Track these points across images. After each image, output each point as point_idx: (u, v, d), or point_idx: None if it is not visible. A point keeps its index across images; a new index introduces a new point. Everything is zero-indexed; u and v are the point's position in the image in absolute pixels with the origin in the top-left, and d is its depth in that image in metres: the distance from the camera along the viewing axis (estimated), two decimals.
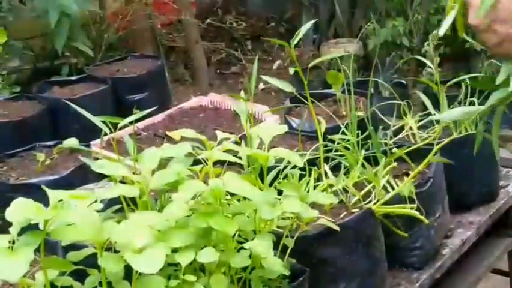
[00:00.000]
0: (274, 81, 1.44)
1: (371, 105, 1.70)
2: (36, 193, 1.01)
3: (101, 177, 1.62)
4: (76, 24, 3.46)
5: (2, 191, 1.85)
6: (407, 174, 1.49)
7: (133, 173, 1.16)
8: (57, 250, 1.25)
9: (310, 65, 1.44)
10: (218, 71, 5.08)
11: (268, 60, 5.09)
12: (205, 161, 1.23)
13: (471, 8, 1.14)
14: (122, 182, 1.17)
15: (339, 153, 1.49)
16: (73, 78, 2.88)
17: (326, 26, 5.07)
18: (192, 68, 4.87)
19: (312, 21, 1.48)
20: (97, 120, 1.29)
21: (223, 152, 1.20)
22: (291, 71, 1.40)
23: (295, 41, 1.37)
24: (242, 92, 1.50)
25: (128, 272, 0.99)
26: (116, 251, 0.99)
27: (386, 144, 1.58)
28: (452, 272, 1.63)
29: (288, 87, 1.41)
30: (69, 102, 1.49)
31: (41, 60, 3.95)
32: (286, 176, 1.38)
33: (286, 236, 1.16)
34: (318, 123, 1.46)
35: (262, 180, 1.25)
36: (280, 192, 1.19)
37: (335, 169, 1.48)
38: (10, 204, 0.95)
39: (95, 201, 1.03)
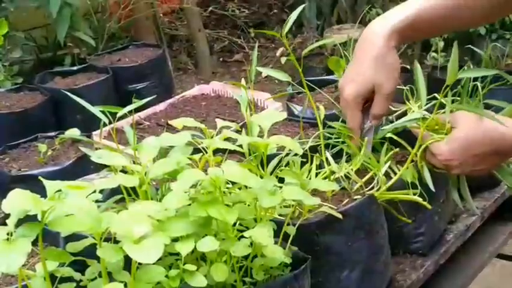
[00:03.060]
0: (270, 71, 1.43)
1: None
2: (38, 184, 1.00)
3: (103, 167, 1.62)
4: (77, 14, 3.45)
5: (3, 182, 1.86)
6: (412, 160, 1.47)
7: (133, 163, 1.15)
8: (58, 241, 1.25)
9: (304, 52, 1.43)
10: (221, 59, 5.06)
11: (271, 48, 5.07)
12: (205, 150, 1.22)
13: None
14: (123, 171, 1.17)
15: (340, 139, 1.47)
16: (75, 68, 2.88)
17: (329, 12, 5.04)
18: (194, 57, 4.86)
19: (301, 6, 1.47)
20: (96, 110, 1.28)
21: (223, 140, 1.19)
22: (283, 60, 1.40)
23: (287, 29, 1.36)
24: (243, 80, 1.49)
25: (129, 262, 0.99)
26: (115, 241, 0.98)
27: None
28: (457, 257, 1.63)
29: (284, 77, 1.40)
30: (69, 93, 1.48)
31: (44, 51, 3.95)
32: (288, 164, 1.37)
33: (288, 224, 1.16)
34: (317, 109, 1.45)
35: (264, 168, 1.24)
36: (281, 180, 1.18)
37: (337, 156, 1.47)
38: None
39: (94, 192, 1.02)
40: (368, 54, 1.34)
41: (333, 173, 1.39)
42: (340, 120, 1.50)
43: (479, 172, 1.32)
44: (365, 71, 1.34)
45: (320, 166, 1.42)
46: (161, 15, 4.69)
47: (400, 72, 1.39)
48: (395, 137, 1.44)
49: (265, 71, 1.43)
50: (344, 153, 1.46)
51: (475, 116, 1.27)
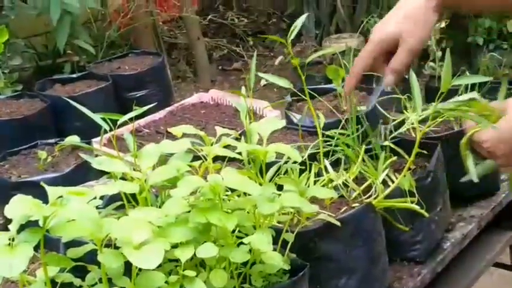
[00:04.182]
0: (272, 78, 1.44)
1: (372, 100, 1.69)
2: (38, 191, 1.01)
3: (102, 174, 1.63)
4: (77, 22, 3.47)
5: (3, 188, 1.86)
6: (410, 169, 1.49)
7: (133, 170, 1.16)
8: (59, 247, 1.26)
9: (307, 60, 1.44)
10: (220, 67, 5.08)
11: (270, 56, 5.09)
12: (204, 157, 1.23)
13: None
14: (123, 178, 1.17)
15: (339, 148, 1.49)
16: (74, 75, 2.88)
17: (328, 21, 5.07)
18: (193, 65, 4.87)
19: (304, 15, 1.47)
20: (97, 117, 1.29)
21: (223, 147, 1.20)
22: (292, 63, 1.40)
23: (291, 37, 1.37)
24: (243, 88, 1.50)
25: (129, 268, 1.00)
26: (116, 247, 0.99)
27: (386, 138, 1.58)
28: (454, 266, 1.63)
29: (285, 84, 1.41)
30: (70, 100, 1.49)
31: (43, 59, 3.96)
32: (286, 171, 1.38)
33: (286, 231, 1.17)
34: (317, 118, 1.46)
35: (263, 176, 1.25)
36: (280, 188, 1.19)
37: (336, 164, 1.48)
38: None
39: (95, 198, 1.03)
40: (406, 6, 1.33)
41: (331, 181, 1.40)
42: (339, 128, 1.51)
43: None
44: (396, 21, 1.33)
45: (318, 174, 1.43)
46: (160, 23, 4.71)
47: (402, 82, 1.39)
48: (392, 146, 1.46)
49: (267, 78, 1.44)
50: (343, 161, 1.47)
51: None
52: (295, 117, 1.88)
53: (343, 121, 1.59)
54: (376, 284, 1.37)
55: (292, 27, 1.39)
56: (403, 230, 1.44)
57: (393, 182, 1.40)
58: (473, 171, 1.26)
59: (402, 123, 1.69)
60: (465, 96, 1.31)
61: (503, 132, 1.19)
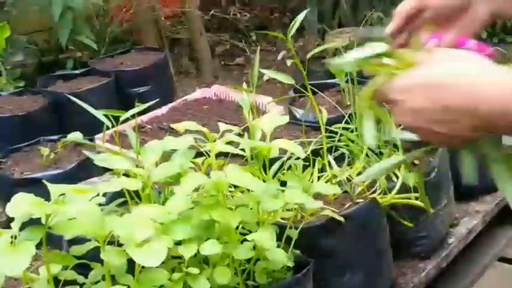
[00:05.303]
0: (273, 74, 1.43)
1: None
2: (40, 187, 1.01)
3: (105, 171, 1.62)
4: (79, 18, 3.46)
5: (6, 185, 1.86)
6: (414, 164, 1.48)
7: (136, 166, 1.15)
8: (62, 244, 1.25)
9: (309, 55, 1.43)
10: (223, 62, 5.07)
11: (273, 51, 5.07)
12: (207, 154, 1.22)
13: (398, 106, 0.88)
14: (126, 175, 1.17)
15: (343, 143, 1.48)
16: (77, 72, 2.89)
17: (331, 16, 5.05)
18: (196, 60, 4.86)
19: (306, 10, 1.45)
20: (99, 114, 1.28)
21: (226, 143, 1.19)
22: (288, 62, 1.39)
23: (292, 33, 1.36)
24: (245, 84, 1.49)
25: (132, 265, 0.99)
26: (119, 245, 0.99)
27: (389, 133, 1.57)
28: (458, 261, 1.63)
29: (287, 79, 1.40)
30: (72, 97, 1.48)
31: (46, 55, 3.95)
32: (290, 167, 1.38)
33: (290, 227, 1.16)
34: (320, 113, 1.46)
35: (266, 172, 1.25)
36: (284, 184, 1.19)
37: (340, 160, 1.47)
38: None
39: (98, 195, 1.03)
40: None
41: (335, 176, 1.40)
42: (342, 123, 1.51)
43: (438, 137, 0.87)
44: None
45: (322, 170, 1.42)
46: (162, 18, 4.70)
47: None
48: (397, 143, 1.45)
49: (269, 74, 1.43)
50: (347, 157, 1.46)
51: (457, 55, 0.89)
52: (299, 112, 1.87)
53: (346, 116, 1.58)
54: (380, 279, 1.36)
55: (292, 23, 1.38)
56: (407, 225, 1.44)
57: (397, 177, 1.39)
58: (369, 129, 0.96)
59: None
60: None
61: (409, 80, 0.87)
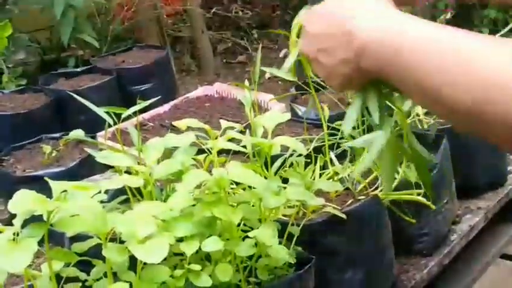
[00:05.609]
0: (275, 71, 1.43)
1: None
2: (42, 185, 1.01)
3: (107, 168, 1.62)
4: (81, 16, 3.47)
5: (8, 183, 1.86)
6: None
7: (138, 163, 1.15)
8: (63, 241, 1.25)
9: None
10: (224, 60, 5.07)
11: (274, 49, 5.07)
12: (209, 151, 1.22)
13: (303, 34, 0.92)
14: (127, 172, 1.17)
15: (344, 140, 1.48)
16: (79, 69, 2.89)
17: None
18: (198, 58, 4.86)
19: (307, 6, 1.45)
20: (100, 111, 1.28)
21: (227, 141, 1.19)
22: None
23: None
24: (247, 81, 1.49)
25: (134, 262, 0.99)
26: (121, 242, 0.99)
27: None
28: (460, 258, 1.63)
29: (289, 76, 1.40)
30: (73, 95, 1.48)
31: (47, 53, 3.96)
32: (292, 164, 1.38)
33: (292, 224, 1.16)
34: (322, 110, 1.45)
35: (268, 169, 1.25)
36: (285, 181, 1.18)
37: (341, 157, 1.47)
38: None
39: (99, 192, 1.03)
40: None
41: (337, 173, 1.40)
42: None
43: (322, 69, 0.89)
44: None
45: (323, 167, 1.42)
46: (164, 16, 4.70)
47: None
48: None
49: (271, 71, 1.43)
50: (349, 154, 1.46)
51: None
52: (300, 109, 1.87)
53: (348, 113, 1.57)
54: (382, 277, 1.36)
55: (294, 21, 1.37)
56: (409, 222, 1.44)
57: (399, 174, 1.39)
58: (352, 117, 0.95)
59: (408, 115, 1.68)
60: None
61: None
